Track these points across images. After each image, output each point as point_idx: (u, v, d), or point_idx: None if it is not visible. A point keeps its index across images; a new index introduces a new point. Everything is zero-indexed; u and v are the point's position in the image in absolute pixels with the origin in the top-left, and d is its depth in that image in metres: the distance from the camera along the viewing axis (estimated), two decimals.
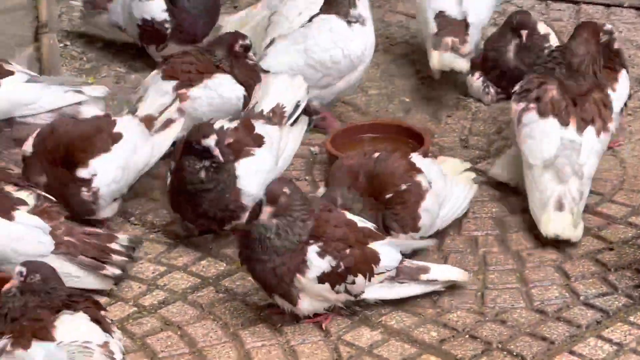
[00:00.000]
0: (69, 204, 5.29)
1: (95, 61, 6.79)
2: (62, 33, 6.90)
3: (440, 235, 5.28)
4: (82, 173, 5.33)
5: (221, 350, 4.69)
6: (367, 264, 4.72)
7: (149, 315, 4.92)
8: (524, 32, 6.10)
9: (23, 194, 5.14)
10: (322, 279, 4.65)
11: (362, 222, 4.85)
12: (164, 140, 5.65)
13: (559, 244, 5.20)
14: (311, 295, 4.70)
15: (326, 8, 6.34)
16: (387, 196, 5.07)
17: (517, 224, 5.41)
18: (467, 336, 4.70)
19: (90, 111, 5.87)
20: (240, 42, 6.01)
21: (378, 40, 6.55)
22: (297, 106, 5.77)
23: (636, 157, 5.88)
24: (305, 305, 4.70)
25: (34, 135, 5.45)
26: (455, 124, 6.24)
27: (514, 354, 4.58)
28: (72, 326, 4.30)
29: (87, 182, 5.33)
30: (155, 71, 6.06)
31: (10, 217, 5.00)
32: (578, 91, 5.49)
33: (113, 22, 6.39)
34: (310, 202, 4.78)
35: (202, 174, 5.12)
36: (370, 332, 4.73)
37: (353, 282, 4.71)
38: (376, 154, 5.17)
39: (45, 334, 4.23)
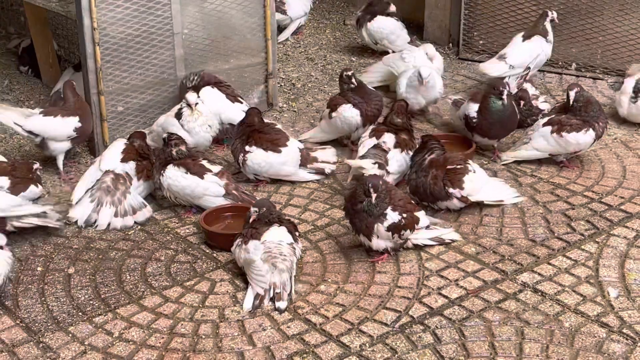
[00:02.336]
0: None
1: (296, 94, 6.86)
2: (279, 79, 6.95)
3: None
4: (246, 148, 5.44)
5: (358, 250, 4.80)
6: (412, 224, 4.73)
7: (319, 230, 5.06)
8: (522, 102, 5.97)
9: (211, 165, 5.23)
10: (389, 228, 4.64)
11: (411, 199, 4.93)
12: (310, 176, 5.57)
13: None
14: (380, 237, 4.67)
15: (532, 29, 6.63)
16: (449, 167, 5.12)
17: (523, 193, 5.34)
18: (491, 252, 4.81)
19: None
20: (345, 73, 5.87)
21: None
22: None
23: (597, 158, 5.74)
24: (374, 242, 4.68)
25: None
26: None
27: (517, 262, 4.70)
28: (276, 232, 4.58)
29: (246, 154, 5.43)
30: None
31: (202, 177, 5.15)
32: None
33: (458, 116, 5.98)
34: (387, 186, 4.74)
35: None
36: (438, 247, 4.84)
37: (403, 234, 4.70)
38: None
39: (257, 237, 4.54)
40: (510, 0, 7.38)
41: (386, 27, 7.41)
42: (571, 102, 5.59)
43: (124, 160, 5.36)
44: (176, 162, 5.19)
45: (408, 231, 4.73)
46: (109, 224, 5.13)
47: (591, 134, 5.57)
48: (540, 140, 5.66)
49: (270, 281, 4.43)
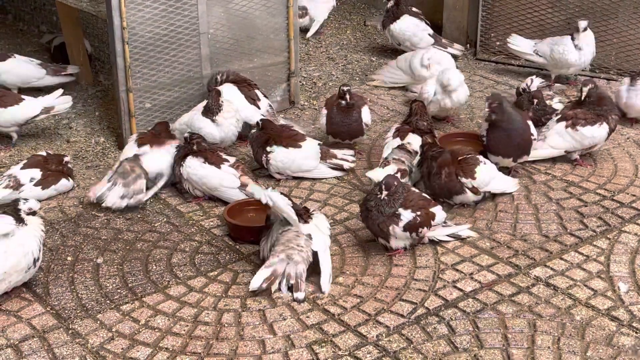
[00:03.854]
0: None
1: (318, 93, 6.86)
2: (300, 78, 6.96)
3: (492, 195, 5.25)
4: (267, 149, 5.43)
5: (375, 244, 4.80)
6: (428, 221, 4.72)
7: (339, 224, 5.07)
8: (536, 100, 5.97)
9: (227, 156, 5.34)
10: (406, 228, 4.64)
11: (427, 196, 4.87)
12: (328, 172, 5.58)
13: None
14: (398, 238, 4.68)
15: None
16: (460, 158, 5.11)
17: (537, 190, 5.38)
18: (505, 247, 4.81)
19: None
20: (341, 88, 5.75)
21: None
22: None
23: (609, 156, 5.75)
24: (393, 243, 4.70)
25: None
26: None
27: (530, 257, 4.70)
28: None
29: (268, 154, 5.46)
30: None
31: (219, 167, 5.26)
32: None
33: None
34: (404, 188, 4.72)
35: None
36: (454, 241, 4.85)
37: (420, 232, 4.70)
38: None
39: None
40: (527, 3, 7.37)
41: (408, 30, 7.39)
42: (583, 97, 5.59)
43: (140, 145, 5.47)
44: (195, 153, 5.28)
45: (425, 228, 4.73)
46: (113, 203, 5.21)
47: (605, 127, 5.57)
48: (556, 137, 5.64)
49: (287, 272, 4.45)
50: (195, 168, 5.26)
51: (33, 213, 4.46)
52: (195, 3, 5.97)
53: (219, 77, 6.08)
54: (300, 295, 4.40)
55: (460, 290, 4.47)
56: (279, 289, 4.45)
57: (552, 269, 4.64)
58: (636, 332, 4.15)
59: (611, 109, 5.63)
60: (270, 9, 6.37)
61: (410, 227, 4.66)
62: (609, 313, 4.28)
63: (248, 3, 6.27)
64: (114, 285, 4.57)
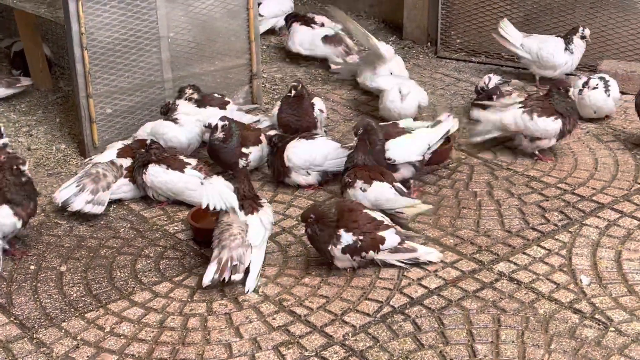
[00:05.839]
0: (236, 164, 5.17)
1: (280, 94, 6.75)
2: (263, 79, 6.97)
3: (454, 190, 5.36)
4: (245, 151, 5.49)
5: None
6: (375, 245, 4.50)
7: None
8: (494, 96, 6.01)
9: (188, 159, 5.35)
10: (345, 250, 4.49)
11: (380, 217, 4.60)
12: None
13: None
14: (339, 260, 4.54)
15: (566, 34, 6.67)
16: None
17: (499, 186, 5.42)
18: (468, 243, 4.84)
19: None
20: (293, 83, 5.81)
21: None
22: None
23: (570, 150, 5.83)
24: (338, 263, 4.55)
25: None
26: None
27: (494, 252, 4.74)
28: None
29: (246, 156, 5.39)
30: None
31: (182, 171, 5.24)
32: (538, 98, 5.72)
33: None
34: (348, 208, 4.56)
35: None
36: (418, 239, 4.78)
37: (364, 256, 4.52)
38: None
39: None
40: (486, 0, 7.43)
41: (305, 40, 7.46)
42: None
43: (119, 156, 5.47)
44: (156, 160, 5.27)
45: (370, 252, 4.53)
46: (80, 209, 5.18)
47: (559, 122, 5.60)
48: (510, 117, 5.67)
49: (227, 256, 4.47)
50: (159, 175, 5.24)
51: None
52: (154, 7, 5.95)
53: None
54: (237, 277, 4.43)
55: (425, 287, 4.49)
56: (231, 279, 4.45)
57: (515, 263, 4.68)
58: (598, 324, 4.20)
59: (572, 113, 5.67)
60: (231, 12, 6.35)
61: (351, 251, 4.50)
62: (572, 306, 4.33)
63: (208, 6, 6.26)
64: (78, 293, 4.54)
